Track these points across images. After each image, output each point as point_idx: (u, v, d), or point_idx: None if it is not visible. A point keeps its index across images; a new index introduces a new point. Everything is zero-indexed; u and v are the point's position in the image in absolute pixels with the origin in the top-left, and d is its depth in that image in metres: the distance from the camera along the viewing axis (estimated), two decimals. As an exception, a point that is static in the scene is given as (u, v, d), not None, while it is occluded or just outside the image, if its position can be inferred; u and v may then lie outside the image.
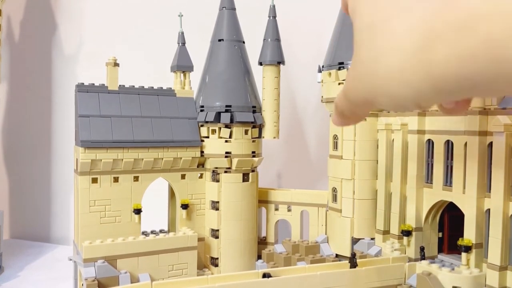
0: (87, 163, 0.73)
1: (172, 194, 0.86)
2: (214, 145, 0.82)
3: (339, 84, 0.78)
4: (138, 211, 0.78)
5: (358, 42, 0.34)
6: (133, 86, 0.81)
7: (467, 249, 0.62)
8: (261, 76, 0.86)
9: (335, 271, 0.63)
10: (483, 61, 0.25)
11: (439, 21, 0.27)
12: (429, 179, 0.70)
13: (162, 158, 0.79)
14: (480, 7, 0.24)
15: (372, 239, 0.79)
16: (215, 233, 0.83)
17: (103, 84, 0.79)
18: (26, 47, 1.28)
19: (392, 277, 0.65)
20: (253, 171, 0.84)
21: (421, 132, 0.70)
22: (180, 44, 0.87)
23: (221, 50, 0.85)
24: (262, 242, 0.89)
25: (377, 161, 0.78)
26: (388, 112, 0.78)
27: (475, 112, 0.61)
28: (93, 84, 0.78)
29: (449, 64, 0.26)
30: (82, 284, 0.66)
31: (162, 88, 0.84)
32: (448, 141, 0.67)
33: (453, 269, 0.62)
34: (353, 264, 0.63)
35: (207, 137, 0.82)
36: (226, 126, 0.81)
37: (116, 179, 0.77)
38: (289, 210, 0.88)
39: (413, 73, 0.28)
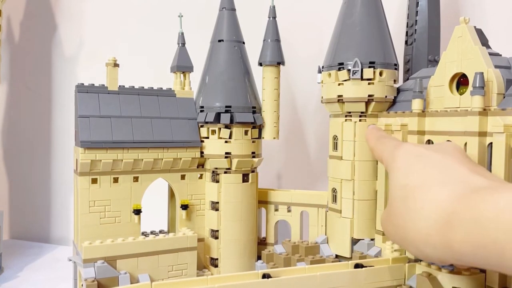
0: (87, 164, 0.73)
1: (171, 194, 0.86)
2: (214, 145, 0.82)
3: (339, 84, 0.78)
4: (138, 212, 0.78)
5: (392, 196, 0.41)
6: (133, 86, 0.81)
7: (467, 249, 0.62)
8: (261, 76, 0.86)
9: (335, 271, 0.63)
10: (491, 255, 0.31)
11: (459, 211, 0.33)
12: (429, 179, 0.70)
13: (162, 159, 0.79)
14: (493, 216, 0.30)
15: (372, 239, 0.79)
16: (214, 234, 0.83)
17: (103, 85, 0.79)
18: (26, 47, 1.28)
19: (392, 278, 0.65)
20: (253, 171, 0.84)
21: (421, 132, 0.70)
22: (180, 45, 0.87)
23: (221, 51, 0.85)
24: (262, 243, 0.89)
25: (377, 161, 0.78)
26: (388, 112, 0.78)
27: (475, 113, 0.61)
28: (93, 84, 0.79)
29: (465, 247, 0.32)
30: (82, 285, 0.66)
31: (162, 88, 0.84)
32: (448, 141, 0.67)
33: (453, 269, 0.62)
34: None
35: (207, 137, 0.82)
36: (226, 127, 0.81)
37: (116, 180, 0.77)
38: (289, 211, 0.88)
39: (438, 241, 0.34)
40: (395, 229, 0.40)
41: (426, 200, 0.36)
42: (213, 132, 0.82)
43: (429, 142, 0.70)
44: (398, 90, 0.81)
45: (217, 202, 0.82)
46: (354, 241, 0.79)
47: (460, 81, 0.67)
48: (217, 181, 0.82)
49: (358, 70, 0.75)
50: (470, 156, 0.60)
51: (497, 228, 0.30)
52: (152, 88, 0.83)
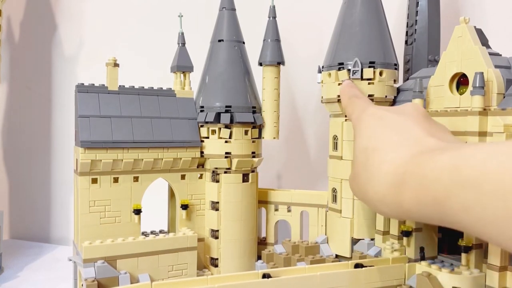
0: (87, 164, 0.73)
1: (172, 194, 0.86)
2: (214, 145, 0.82)
3: (338, 84, 0.78)
4: (138, 212, 0.78)
5: (356, 158, 0.44)
6: (133, 86, 0.81)
7: (467, 249, 0.62)
8: (261, 76, 0.86)
9: (335, 271, 0.63)
10: (433, 212, 0.34)
11: (408, 171, 0.36)
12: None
13: (162, 159, 0.79)
14: (438, 175, 0.33)
15: (372, 239, 0.79)
16: (215, 234, 0.83)
17: (103, 85, 0.79)
18: (26, 47, 1.28)
19: (392, 278, 0.65)
20: (253, 171, 0.84)
21: (421, 132, 0.70)
22: (180, 45, 0.87)
23: (221, 51, 0.85)
24: (262, 243, 0.89)
25: (377, 161, 0.78)
26: (388, 112, 0.78)
27: (475, 113, 0.61)
28: (93, 84, 0.79)
29: (412, 205, 0.35)
30: (82, 285, 0.66)
31: (162, 88, 0.84)
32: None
33: (453, 269, 0.62)
34: None
35: (207, 137, 0.82)
36: (226, 127, 0.81)
37: (116, 180, 0.77)
38: (289, 211, 0.88)
39: (391, 200, 0.37)
40: (358, 189, 0.43)
41: (383, 162, 0.39)
42: (213, 132, 0.82)
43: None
44: (398, 90, 0.81)
45: (217, 202, 0.82)
46: (354, 241, 0.79)
47: (460, 81, 0.67)
48: (217, 181, 0.82)
49: (358, 70, 0.75)
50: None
51: (437, 187, 0.33)
52: (152, 88, 0.83)
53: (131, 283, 0.68)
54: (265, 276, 0.60)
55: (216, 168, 0.82)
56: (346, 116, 0.79)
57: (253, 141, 0.84)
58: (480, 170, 0.31)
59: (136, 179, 0.78)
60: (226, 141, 0.81)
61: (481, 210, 0.30)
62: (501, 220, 0.29)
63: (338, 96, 0.78)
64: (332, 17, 0.83)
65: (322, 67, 0.82)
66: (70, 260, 0.76)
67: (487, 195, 0.30)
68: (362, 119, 0.47)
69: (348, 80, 0.68)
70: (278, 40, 0.85)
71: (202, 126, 0.83)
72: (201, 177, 0.84)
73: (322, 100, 0.84)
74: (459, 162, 0.32)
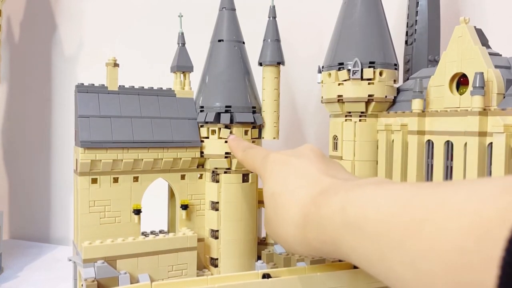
0: (87, 164, 0.73)
1: (171, 194, 0.86)
2: (214, 145, 0.82)
3: (339, 84, 0.78)
4: (137, 212, 0.78)
5: (266, 204, 0.47)
6: (133, 86, 0.81)
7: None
8: (261, 76, 0.86)
9: (335, 271, 0.63)
10: (332, 249, 0.36)
11: (309, 213, 0.38)
12: (429, 179, 0.70)
13: (162, 159, 0.79)
14: (330, 217, 0.36)
15: (372, 239, 0.78)
16: (214, 234, 0.83)
17: (103, 85, 0.79)
18: (26, 47, 1.28)
19: (392, 278, 0.65)
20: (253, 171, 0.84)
21: (421, 132, 0.70)
22: (180, 45, 0.87)
23: (221, 51, 0.85)
24: (261, 243, 0.89)
25: (377, 161, 0.78)
26: (388, 112, 0.78)
27: (475, 113, 0.61)
28: (93, 84, 0.78)
29: (315, 243, 0.38)
30: (82, 285, 0.66)
31: (162, 88, 0.84)
32: (448, 141, 0.67)
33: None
34: None
35: (207, 137, 0.82)
36: (226, 127, 0.81)
37: (116, 180, 0.77)
38: (289, 211, 0.88)
39: (300, 241, 0.40)
40: (273, 232, 0.45)
41: (288, 205, 0.42)
42: (213, 132, 0.82)
43: (429, 142, 0.70)
44: (398, 90, 0.81)
45: (217, 202, 0.82)
46: (354, 241, 0.79)
47: (460, 81, 0.67)
48: (217, 181, 0.82)
49: (358, 70, 0.75)
50: (470, 156, 0.60)
51: (332, 228, 0.35)
52: (152, 88, 0.83)
53: (131, 283, 0.68)
54: (265, 276, 0.60)
55: (216, 168, 0.82)
56: (346, 116, 0.79)
57: (253, 141, 0.84)
58: (362, 213, 0.33)
59: (136, 179, 0.78)
60: (226, 141, 0.81)
61: (363, 252, 0.33)
62: (377, 262, 0.32)
63: (339, 96, 0.78)
64: (332, 17, 0.83)
65: (322, 67, 0.82)
66: (70, 260, 0.76)
67: (367, 238, 0.32)
68: (266, 167, 0.49)
69: (231, 135, 0.73)
70: (278, 40, 0.85)
71: (202, 126, 0.83)
72: (201, 177, 0.84)
73: (322, 100, 0.84)
74: (346, 205, 0.35)
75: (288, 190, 0.43)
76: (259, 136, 0.85)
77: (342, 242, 0.35)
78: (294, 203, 0.41)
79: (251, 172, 0.84)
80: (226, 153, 0.81)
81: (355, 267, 0.63)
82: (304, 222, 0.39)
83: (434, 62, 0.84)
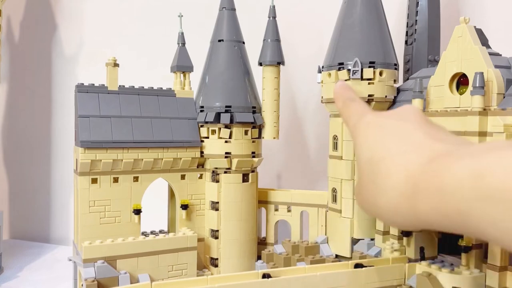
0: (87, 164, 0.73)
1: (171, 194, 0.86)
2: (214, 145, 0.82)
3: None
4: (137, 212, 0.78)
5: (360, 171, 0.42)
6: (133, 86, 0.81)
7: (467, 249, 0.62)
8: (261, 76, 0.86)
9: (335, 271, 0.63)
10: (457, 224, 0.31)
11: (424, 179, 0.34)
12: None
13: (162, 159, 0.79)
14: (455, 184, 0.31)
15: (372, 239, 0.79)
16: (214, 234, 0.83)
17: (103, 85, 0.79)
18: (26, 47, 1.28)
19: (392, 278, 0.65)
20: (253, 171, 0.84)
21: (421, 132, 0.70)
22: (180, 45, 0.87)
23: (221, 51, 0.85)
24: (262, 243, 0.89)
25: (377, 161, 0.78)
26: (388, 112, 0.77)
27: (475, 113, 0.61)
28: (93, 84, 0.79)
29: (431, 216, 0.33)
30: (82, 285, 0.66)
31: (162, 88, 0.84)
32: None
33: (453, 269, 0.62)
34: None
35: (207, 137, 0.82)
36: (226, 127, 0.81)
37: (116, 180, 0.77)
38: (289, 211, 0.88)
39: (406, 212, 0.35)
40: (367, 203, 0.41)
41: (390, 172, 0.37)
42: (213, 132, 0.82)
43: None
44: (398, 90, 0.81)
45: (217, 202, 0.82)
46: (354, 241, 0.79)
47: (460, 81, 0.67)
48: (217, 181, 0.82)
49: (358, 70, 0.75)
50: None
51: (460, 198, 0.31)
52: (152, 88, 0.83)
53: (131, 283, 0.68)
54: (265, 276, 0.60)
55: (216, 168, 0.82)
56: (346, 116, 0.79)
57: (253, 141, 0.84)
58: (507, 182, 0.28)
59: (136, 179, 0.78)
60: (226, 141, 0.81)
61: (507, 226, 0.28)
62: None
63: (338, 96, 0.78)
64: (332, 17, 0.83)
65: (322, 67, 0.82)
66: (70, 260, 0.76)
67: None
68: (360, 128, 0.45)
69: (341, 81, 0.62)
70: (278, 40, 0.85)
71: (202, 126, 0.83)
72: (201, 177, 0.84)
73: (322, 100, 0.84)
74: (484, 172, 0.30)
75: (390, 155, 0.39)
76: (259, 136, 0.85)
77: (477, 215, 0.30)
78: (398, 170, 0.37)
79: (251, 172, 0.84)
80: (226, 153, 0.81)
81: (355, 267, 0.63)
82: (413, 191, 0.35)
83: (434, 62, 0.84)
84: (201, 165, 0.84)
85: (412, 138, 0.39)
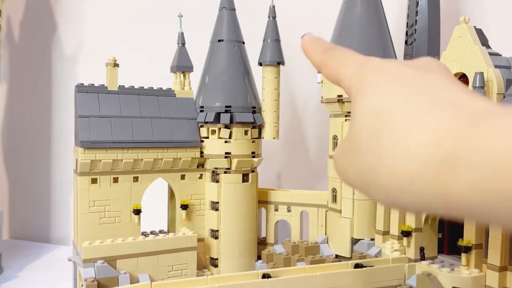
0: (87, 164, 0.73)
1: (171, 194, 0.86)
2: (214, 145, 0.82)
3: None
4: (137, 212, 0.78)
5: (357, 126, 0.30)
6: (133, 86, 0.81)
7: (467, 249, 0.62)
8: (261, 76, 0.86)
9: (335, 271, 0.63)
10: (507, 205, 0.23)
11: (466, 146, 0.24)
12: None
13: (162, 159, 0.79)
14: None
15: (372, 239, 0.79)
16: (214, 234, 0.83)
17: (103, 85, 0.79)
18: (26, 47, 1.28)
19: (392, 278, 0.65)
20: (252, 171, 0.84)
21: (421, 132, 0.70)
22: (180, 45, 0.87)
23: (221, 51, 0.85)
24: (261, 243, 0.89)
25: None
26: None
27: (475, 113, 0.61)
28: (93, 84, 0.78)
29: (469, 195, 0.24)
30: (82, 285, 0.66)
31: (161, 88, 0.84)
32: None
33: (453, 269, 0.62)
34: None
35: (207, 137, 0.82)
36: (226, 127, 0.81)
37: (115, 180, 0.77)
38: (288, 211, 0.88)
39: (428, 190, 0.26)
40: (357, 169, 0.30)
41: (410, 133, 0.27)
42: (213, 132, 0.82)
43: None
44: (398, 90, 0.81)
45: (217, 202, 0.82)
46: (354, 241, 0.79)
47: (460, 81, 0.67)
48: (217, 181, 0.82)
49: (358, 70, 0.75)
50: None
51: None
52: (152, 88, 0.83)
53: (131, 283, 0.68)
54: (265, 276, 0.60)
55: (216, 168, 0.82)
56: (346, 116, 0.79)
57: (253, 141, 0.84)
58: None
59: (136, 179, 0.78)
60: (226, 141, 0.81)
61: None
62: None
63: (338, 96, 0.78)
64: (332, 17, 0.83)
65: (322, 67, 0.82)
66: (70, 260, 0.76)
67: None
68: (365, 73, 0.33)
69: (306, 34, 0.44)
70: (278, 40, 0.85)
71: (202, 126, 0.83)
72: (201, 177, 0.84)
73: (322, 100, 0.84)
74: None
75: (411, 108, 0.28)
76: (259, 136, 0.85)
77: None
78: (424, 128, 0.26)
79: (251, 172, 0.84)
80: (226, 153, 0.81)
81: (355, 267, 0.63)
82: (445, 161, 0.25)
83: (434, 62, 0.84)
84: (201, 165, 0.84)
85: (442, 91, 0.29)
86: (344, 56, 0.37)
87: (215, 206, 0.82)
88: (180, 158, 0.80)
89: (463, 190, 0.24)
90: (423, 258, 0.69)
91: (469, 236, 0.62)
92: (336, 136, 0.81)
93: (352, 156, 0.30)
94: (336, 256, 0.81)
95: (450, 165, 0.24)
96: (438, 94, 0.28)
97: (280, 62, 0.85)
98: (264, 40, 0.86)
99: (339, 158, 0.31)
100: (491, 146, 0.23)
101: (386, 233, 0.76)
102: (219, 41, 0.85)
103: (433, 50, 0.85)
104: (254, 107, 0.84)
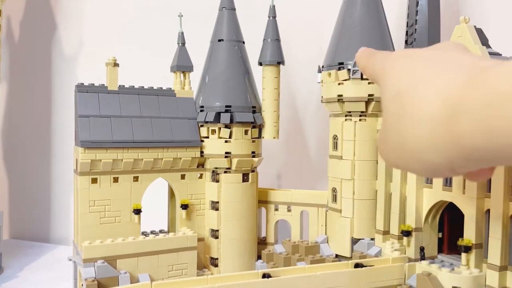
0: (87, 163, 0.73)
1: (171, 194, 0.86)
2: (214, 145, 0.82)
3: (339, 84, 0.78)
4: (137, 211, 0.78)
5: (386, 112, 0.34)
6: (133, 86, 0.81)
7: (467, 249, 0.62)
8: (261, 76, 0.86)
9: (335, 271, 0.63)
10: (505, 142, 0.25)
11: (467, 96, 0.27)
12: (429, 179, 0.70)
13: (162, 158, 0.79)
14: (508, 88, 0.24)
15: (372, 239, 0.79)
16: (215, 233, 0.83)
17: (103, 84, 0.79)
18: (26, 47, 1.28)
19: (392, 278, 0.65)
20: (253, 171, 0.84)
21: (421, 132, 0.70)
22: (180, 44, 0.87)
23: (221, 50, 0.85)
24: (262, 242, 0.89)
25: (377, 161, 0.78)
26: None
27: (475, 113, 0.61)
28: (93, 84, 0.79)
29: (476, 138, 0.26)
30: (82, 284, 0.66)
31: (162, 88, 0.84)
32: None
33: (453, 269, 0.62)
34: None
35: (207, 137, 0.82)
36: (226, 126, 0.81)
37: (116, 179, 0.77)
38: (289, 210, 0.88)
39: (443, 141, 0.28)
40: (392, 147, 0.33)
41: (422, 98, 0.30)
42: (213, 131, 0.82)
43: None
44: (398, 90, 0.81)
45: (217, 202, 0.82)
46: (354, 241, 0.79)
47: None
48: (217, 181, 0.82)
49: (358, 70, 0.75)
50: None
51: None
52: (152, 87, 0.83)
53: (131, 283, 0.68)
54: (265, 276, 0.60)
55: (216, 168, 0.82)
56: (346, 116, 0.79)
57: (253, 141, 0.84)
58: None
59: (136, 179, 0.78)
60: (226, 141, 0.81)
61: None
62: None
63: (339, 95, 0.78)
64: (332, 17, 0.83)
65: (322, 66, 0.82)
66: (70, 260, 0.76)
67: None
68: (389, 62, 0.37)
69: (364, 48, 0.50)
70: (278, 40, 0.85)
71: (202, 126, 0.83)
72: (201, 177, 0.84)
73: (322, 100, 0.84)
74: None
75: (421, 81, 0.31)
76: (259, 136, 0.85)
77: None
78: (432, 92, 0.29)
79: (251, 172, 0.84)
80: (226, 152, 0.81)
81: (355, 267, 0.63)
82: (452, 113, 0.28)
83: (434, 61, 0.84)
84: (201, 165, 0.84)
85: (453, 60, 0.32)
86: (377, 56, 0.42)
87: (215, 205, 0.82)
88: (180, 158, 0.80)
89: (469, 133, 0.26)
90: (423, 257, 0.69)
91: (469, 236, 0.62)
92: (336, 136, 0.81)
93: (387, 139, 0.33)
94: (336, 255, 0.81)
95: (455, 116, 0.27)
96: (448, 62, 0.31)
97: (280, 62, 0.85)
98: (264, 39, 0.86)
99: (380, 144, 0.35)
100: (489, 91, 0.25)
101: (386, 232, 0.76)
102: (219, 40, 0.85)
103: (433, 50, 0.85)
104: (254, 107, 0.84)
